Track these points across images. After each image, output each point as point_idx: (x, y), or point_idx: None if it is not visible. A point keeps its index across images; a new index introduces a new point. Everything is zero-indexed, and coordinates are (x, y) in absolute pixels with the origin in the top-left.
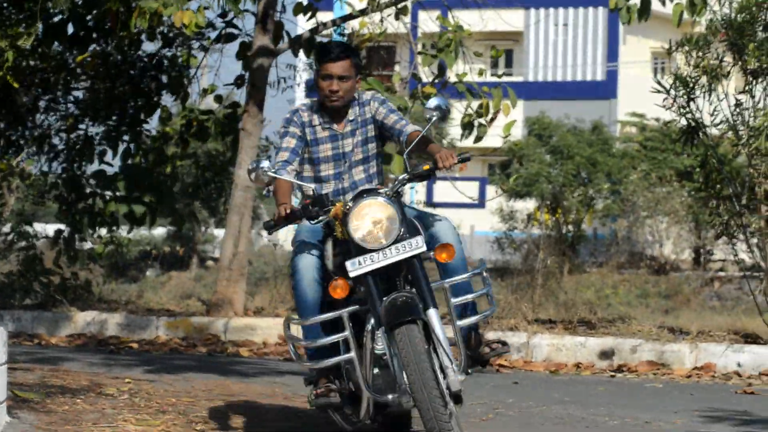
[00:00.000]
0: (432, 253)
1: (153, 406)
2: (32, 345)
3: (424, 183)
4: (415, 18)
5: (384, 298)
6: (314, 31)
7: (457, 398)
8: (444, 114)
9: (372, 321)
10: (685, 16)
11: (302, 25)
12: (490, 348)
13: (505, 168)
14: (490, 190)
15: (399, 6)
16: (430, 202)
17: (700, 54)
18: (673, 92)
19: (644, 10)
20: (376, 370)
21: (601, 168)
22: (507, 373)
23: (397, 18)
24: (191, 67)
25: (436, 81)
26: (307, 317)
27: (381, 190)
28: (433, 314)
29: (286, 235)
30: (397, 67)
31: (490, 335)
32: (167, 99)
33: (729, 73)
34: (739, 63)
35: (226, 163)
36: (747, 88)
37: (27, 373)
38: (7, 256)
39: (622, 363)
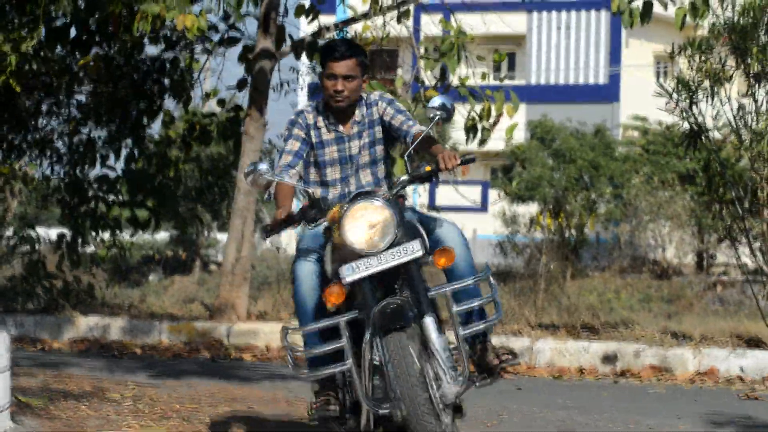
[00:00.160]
0: (430, 257)
1: (157, 411)
2: (35, 350)
3: (427, 186)
4: (417, 21)
5: (375, 305)
6: (317, 34)
7: (457, 409)
8: (449, 113)
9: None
10: (688, 19)
11: (305, 28)
12: (498, 358)
13: (508, 172)
14: (493, 194)
15: (401, 9)
16: (432, 206)
17: (703, 57)
18: (675, 96)
19: (646, 14)
20: (377, 380)
21: (603, 172)
22: (510, 379)
23: (399, 21)
24: (194, 70)
25: (439, 85)
26: (305, 325)
27: (379, 193)
28: (429, 321)
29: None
30: (399, 71)
31: (494, 341)
32: (170, 103)
33: (732, 76)
34: (742, 66)
35: (228, 167)
36: (750, 91)
37: (30, 378)
38: (9, 260)
39: (626, 368)
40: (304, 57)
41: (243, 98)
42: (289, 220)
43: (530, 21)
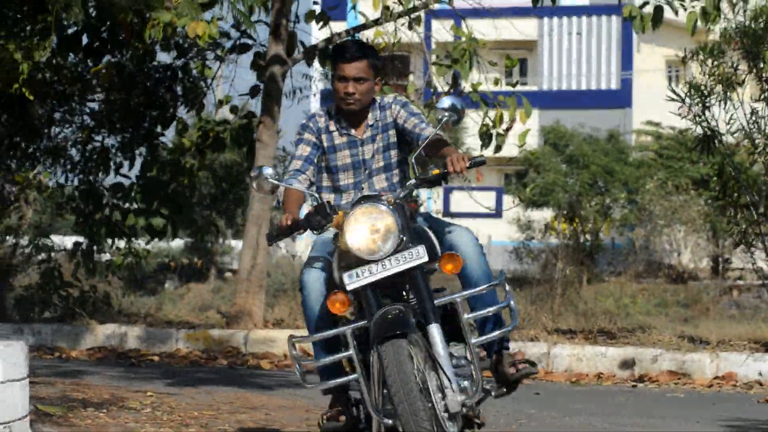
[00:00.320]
0: (436, 264)
1: (175, 419)
2: (52, 358)
3: (441, 192)
4: (428, 28)
5: (375, 312)
6: (329, 41)
7: (468, 421)
8: (459, 114)
9: None
10: (699, 24)
11: (316, 35)
12: (515, 368)
13: (521, 177)
14: (507, 200)
15: (412, 16)
16: (447, 212)
17: (715, 62)
18: (688, 100)
19: (657, 19)
20: (387, 390)
21: (617, 177)
22: (528, 384)
23: (410, 28)
24: (206, 78)
25: (452, 91)
26: (313, 334)
27: (383, 197)
28: (434, 329)
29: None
30: (411, 77)
31: (511, 346)
32: (183, 110)
33: (744, 80)
34: (755, 71)
35: (242, 174)
36: (763, 96)
37: (48, 387)
38: (25, 269)
39: (643, 373)
40: (316, 63)
41: (256, 105)
42: (294, 227)
43: (542, 27)
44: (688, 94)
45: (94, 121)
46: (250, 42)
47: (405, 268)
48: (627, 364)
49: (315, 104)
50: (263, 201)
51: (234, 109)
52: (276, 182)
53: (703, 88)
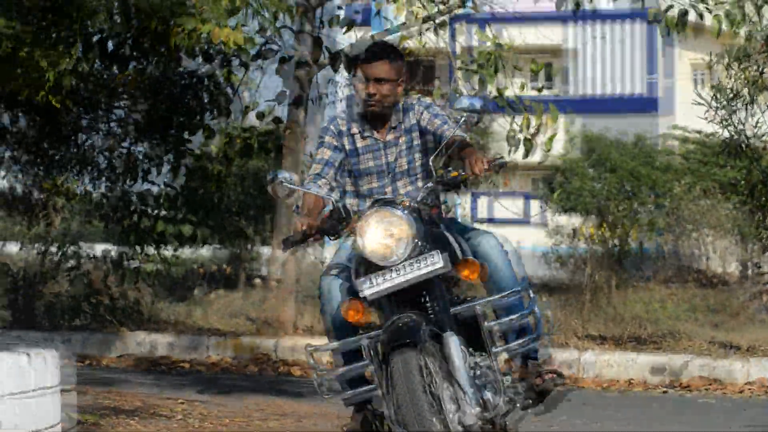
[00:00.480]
0: (453, 271)
1: (207, 426)
2: (83, 366)
3: (468, 198)
4: (454, 33)
5: (387, 321)
6: (354, 45)
7: None
8: (478, 114)
9: None
10: (724, 27)
11: (341, 40)
12: (542, 378)
13: (549, 183)
14: (535, 205)
15: (438, 21)
16: (474, 218)
17: (741, 66)
18: (714, 104)
19: (682, 23)
20: None
21: (645, 181)
22: (558, 390)
23: (436, 33)
24: (232, 84)
25: (478, 96)
26: (332, 342)
27: (398, 201)
28: (449, 338)
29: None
30: (437, 82)
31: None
32: (209, 117)
33: None
34: None
35: None
36: None
37: (80, 394)
38: (55, 277)
39: (674, 379)
40: (342, 69)
41: (282, 111)
42: (310, 233)
43: (566, 32)
44: (714, 98)
45: (121, 128)
46: (275, 48)
47: (421, 275)
48: (657, 369)
49: (341, 110)
50: (292, 207)
51: (260, 116)
52: (291, 186)
53: (728, 92)
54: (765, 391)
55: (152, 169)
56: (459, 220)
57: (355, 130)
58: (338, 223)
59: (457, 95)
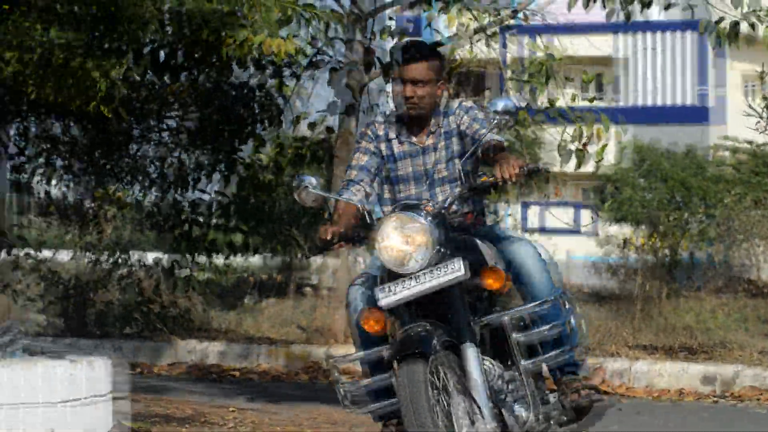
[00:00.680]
0: (477, 279)
1: None
2: (134, 374)
3: (519, 207)
4: (505, 43)
5: (399, 330)
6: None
7: None
8: (514, 116)
9: None
10: None
11: None
12: (579, 395)
13: (600, 193)
14: (586, 215)
15: (489, 32)
16: (525, 227)
17: None
18: (765, 115)
19: (734, 35)
20: None
21: (695, 192)
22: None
23: (487, 44)
24: (283, 94)
25: (530, 107)
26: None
27: (422, 206)
28: (467, 350)
29: None
30: (487, 93)
31: (589, 362)
32: (260, 127)
33: None
34: None
35: None
36: None
37: (131, 402)
38: (106, 285)
39: (725, 389)
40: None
41: (333, 121)
42: (336, 239)
43: (617, 42)
44: (765, 108)
45: (172, 137)
46: (326, 58)
47: (440, 283)
48: (708, 379)
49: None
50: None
51: (312, 126)
52: (317, 192)
53: None
54: None
55: (203, 178)
56: (496, 227)
57: (392, 134)
58: (363, 230)
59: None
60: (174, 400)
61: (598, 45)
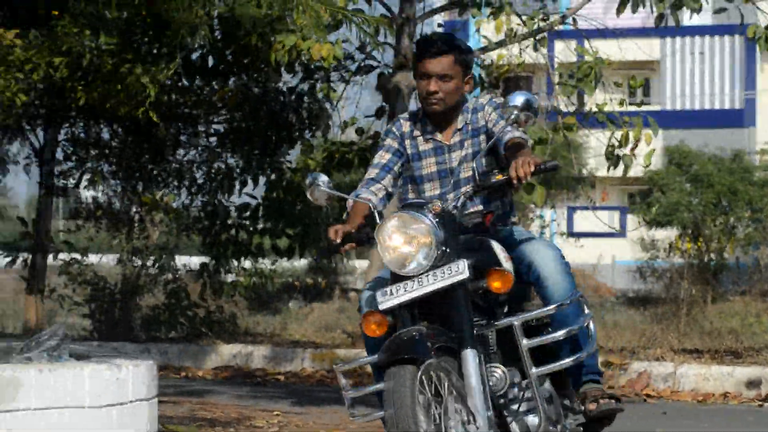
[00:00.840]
0: (483, 282)
1: None
2: (179, 378)
3: (565, 211)
4: (552, 48)
5: (393, 334)
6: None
7: None
8: (535, 112)
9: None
10: None
11: None
12: (597, 404)
13: (646, 197)
14: (631, 220)
15: (537, 37)
16: (571, 232)
17: None
18: None
19: None
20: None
21: (741, 196)
22: (654, 403)
23: (535, 49)
24: (331, 99)
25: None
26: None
27: (429, 206)
28: (468, 356)
29: None
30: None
31: (635, 366)
32: (307, 132)
33: None
34: None
35: None
36: None
37: (176, 406)
38: (152, 290)
39: None
40: None
41: (381, 126)
42: (346, 240)
43: (664, 47)
44: None
45: (219, 142)
46: (374, 63)
47: (442, 285)
48: (754, 383)
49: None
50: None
51: (359, 131)
52: (329, 191)
53: None
54: None
55: (249, 183)
56: (517, 228)
57: (417, 132)
58: (371, 230)
59: (557, 112)
60: (219, 404)
61: (646, 49)
